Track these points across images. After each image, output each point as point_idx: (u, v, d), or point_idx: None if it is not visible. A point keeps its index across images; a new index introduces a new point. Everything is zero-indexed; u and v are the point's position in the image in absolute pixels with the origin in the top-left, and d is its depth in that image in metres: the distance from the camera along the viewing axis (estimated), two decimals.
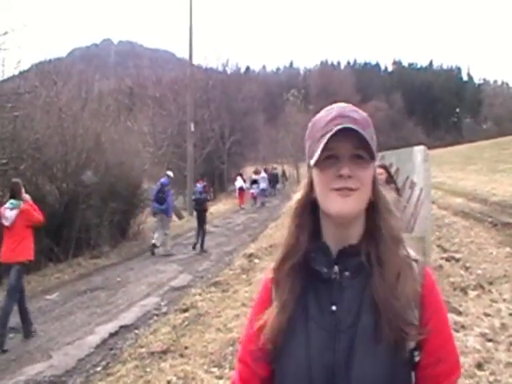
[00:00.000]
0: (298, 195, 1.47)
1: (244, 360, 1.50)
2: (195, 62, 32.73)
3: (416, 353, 1.31)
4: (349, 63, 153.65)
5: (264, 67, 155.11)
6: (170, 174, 15.78)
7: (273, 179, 41.31)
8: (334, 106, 1.40)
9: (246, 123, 48.82)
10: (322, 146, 1.28)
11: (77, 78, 19.27)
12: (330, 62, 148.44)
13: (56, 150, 14.14)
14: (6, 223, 7.48)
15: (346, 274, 1.35)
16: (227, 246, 15.66)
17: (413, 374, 1.34)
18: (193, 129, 27.45)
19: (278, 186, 45.56)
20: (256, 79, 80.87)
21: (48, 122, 14.25)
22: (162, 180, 15.14)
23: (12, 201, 7.62)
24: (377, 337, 1.27)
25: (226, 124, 43.88)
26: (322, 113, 1.40)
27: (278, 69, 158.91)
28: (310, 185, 1.41)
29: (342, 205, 1.29)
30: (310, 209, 1.42)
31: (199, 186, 16.29)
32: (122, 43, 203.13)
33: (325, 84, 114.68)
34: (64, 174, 14.18)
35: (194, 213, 16.82)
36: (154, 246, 14.75)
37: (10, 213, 7.50)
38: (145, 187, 20.67)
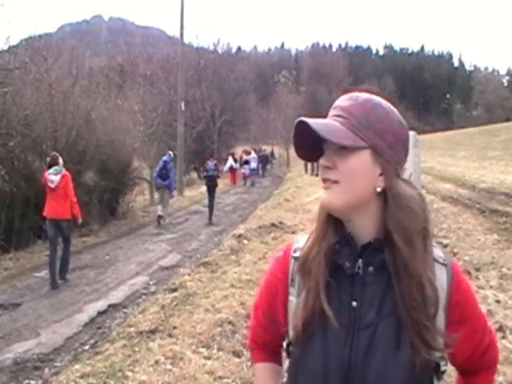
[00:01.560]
0: None
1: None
2: (186, 40, 32.51)
3: (443, 363, 1.27)
4: (340, 46, 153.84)
5: (255, 48, 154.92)
6: (171, 153, 17.00)
7: (263, 160, 41.72)
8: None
9: (237, 103, 48.73)
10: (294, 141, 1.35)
11: (67, 55, 19.12)
12: (321, 44, 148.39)
13: (46, 126, 14.06)
14: (52, 185, 9.11)
15: (370, 269, 1.29)
16: (216, 226, 15.70)
17: (435, 380, 1.29)
18: (183, 108, 27.36)
19: (268, 166, 45.89)
20: (247, 59, 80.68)
21: (38, 98, 14.15)
22: (165, 158, 16.25)
23: (56, 167, 9.22)
24: (398, 341, 1.23)
25: (217, 104, 43.71)
26: None
27: (269, 49, 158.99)
28: None
29: (324, 196, 1.30)
30: None
31: (211, 163, 17.61)
32: (113, 20, 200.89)
33: (316, 66, 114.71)
34: (54, 150, 14.05)
35: (205, 187, 18.41)
36: (160, 216, 16.05)
37: (54, 177, 9.14)
38: (135, 165, 20.71)
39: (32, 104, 13.66)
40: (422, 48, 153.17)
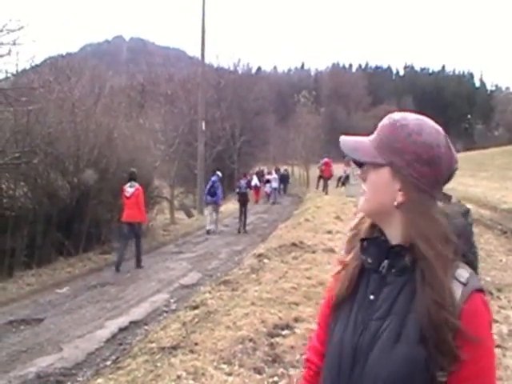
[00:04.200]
0: None
1: (319, 323, 1.68)
2: (206, 60, 32.76)
3: (440, 373, 1.24)
4: (360, 66, 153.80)
5: (275, 68, 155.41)
6: (219, 173, 19.59)
7: (284, 179, 42.15)
8: None
9: (256, 123, 48.95)
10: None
11: (89, 74, 19.39)
12: (341, 65, 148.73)
13: (68, 144, 14.24)
14: (127, 195, 12.19)
15: (393, 270, 1.38)
16: (236, 246, 15.67)
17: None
18: (204, 127, 27.54)
19: (288, 185, 46.01)
20: (267, 79, 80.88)
21: (61, 116, 14.33)
22: (213, 178, 19.00)
23: (132, 182, 12.30)
24: (398, 337, 1.29)
25: (236, 124, 43.94)
26: None
27: (289, 70, 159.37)
28: None
29: (360, 202, 1.50)
30: None
31: (243, 182, 21.05)
32: (134, 40, 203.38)
33: (336, 86, 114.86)
34: (76, 168, 14.28)
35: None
36: (208, 232, 18.81)
37: (130, 189, 12.23)
38: (155, 184, 20.88)
39: (55, 122, 13.84)
40: (443, 68, 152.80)
